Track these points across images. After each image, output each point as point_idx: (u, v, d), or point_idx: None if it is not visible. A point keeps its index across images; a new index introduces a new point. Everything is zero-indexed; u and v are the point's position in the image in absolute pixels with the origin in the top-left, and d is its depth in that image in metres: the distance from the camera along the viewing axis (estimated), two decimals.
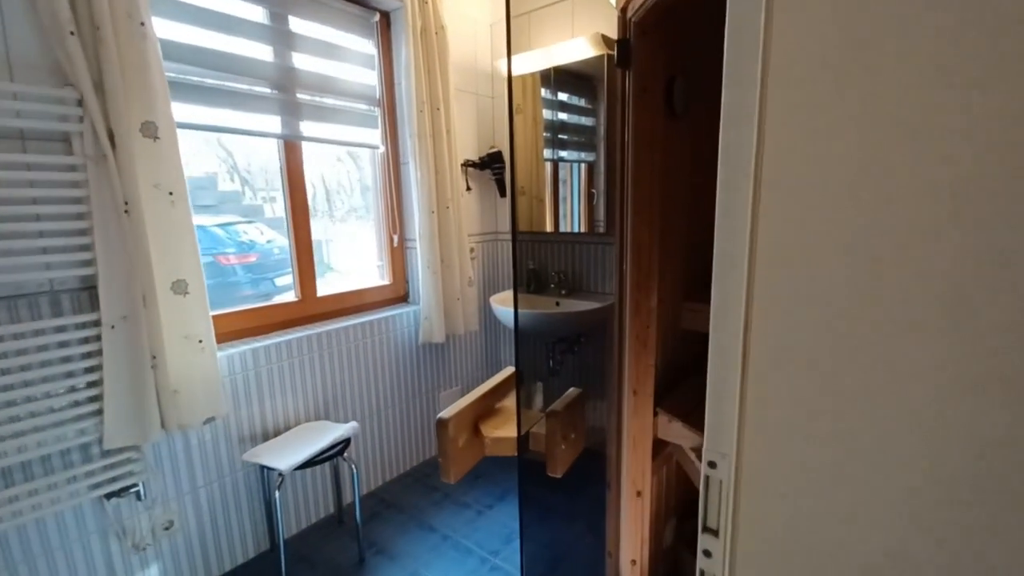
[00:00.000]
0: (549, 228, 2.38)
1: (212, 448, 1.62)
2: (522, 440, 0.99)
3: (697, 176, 1.44)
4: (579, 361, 2.38)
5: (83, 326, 1.29)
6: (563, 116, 2.31)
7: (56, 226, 1.23)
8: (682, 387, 1.48)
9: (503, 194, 2.43)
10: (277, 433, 1.78)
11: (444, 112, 2.07)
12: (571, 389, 0.85)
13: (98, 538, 1.41)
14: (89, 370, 1.31)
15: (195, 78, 1.54)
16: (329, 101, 1.90)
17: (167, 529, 1.54)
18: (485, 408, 0.90)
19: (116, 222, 1.26)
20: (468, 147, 2.37)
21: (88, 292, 1.32)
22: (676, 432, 1.31)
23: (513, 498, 2.05)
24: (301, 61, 1.80)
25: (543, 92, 2.31)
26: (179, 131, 1.37)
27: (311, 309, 1.97)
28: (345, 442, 1.70)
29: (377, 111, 2.08)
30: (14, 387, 1.21)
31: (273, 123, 1.74)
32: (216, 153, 1.91)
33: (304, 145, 1.87)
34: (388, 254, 2.25)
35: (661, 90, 1.18)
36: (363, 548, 1.78)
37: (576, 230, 2.30)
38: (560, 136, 2.32)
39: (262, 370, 1.72)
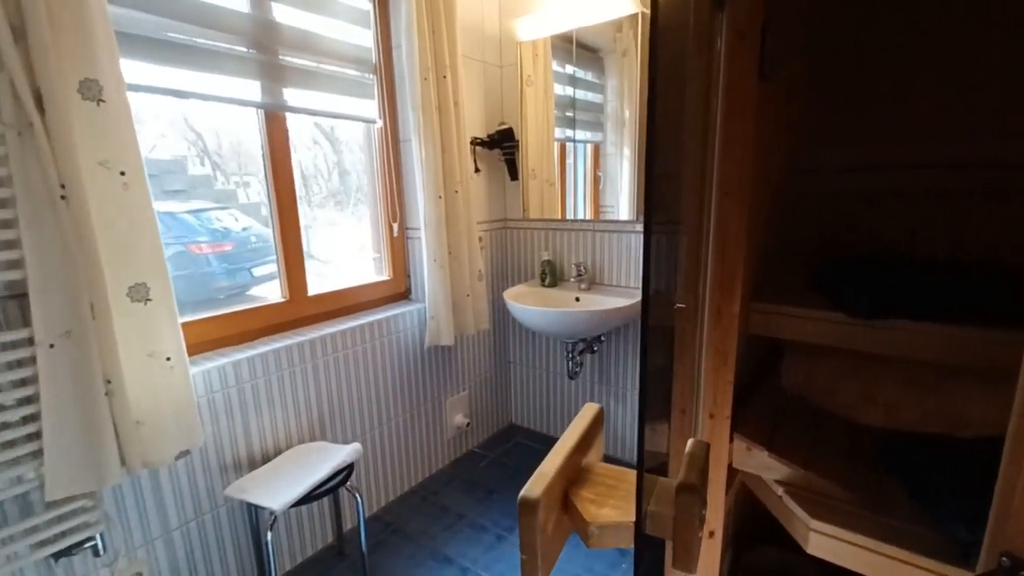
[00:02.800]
0: (571, 215, 2.14)
1: (187, 483, 1.35)
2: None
3: (783, 154, 1.21)
4: (600, 362, 2.16)
5: (12, 346, 1.00)
6: (584, 92, 2.06)
7: None
8: (751, 403, 1.26)
9: (514, 177, 2.17)
10: (266, 459, 1.51)
11: (451, 80, 1.79)
12: (692, 442, 0.61)
13: None
14: (23, 402, 1.02)
15: (150, 29, 1.23)
16: (316, 64, 1.60)
17: None
18: (572, 469, 0.68)
19: (51, 210, 0.96)
20: (476, 122, 2.09)
21: (17, 301, 1.03)
22: (758, 462, 1.09)
23: None
24: (282, 14, 1.49)
25: (554, 64, 2.05)
26: (133, 97, 1.07)
27: (301, 311, 1.69)
28: (348, 468, 1.45)
29: (373, 79, 1.79)
30: None
31: (251, 89, 1.44)
32: (185, 136, 1.61)
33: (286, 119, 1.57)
34: (387, 245, 1.97)
35: (758, 38, 0.94)
36: None
37: (587, 216, 2.07)
38: (574, 113, 2.06)
39: (245, 386, 1.45)
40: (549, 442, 2.31)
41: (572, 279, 2.08)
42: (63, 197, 0.96)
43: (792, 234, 1.46)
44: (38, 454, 1.03)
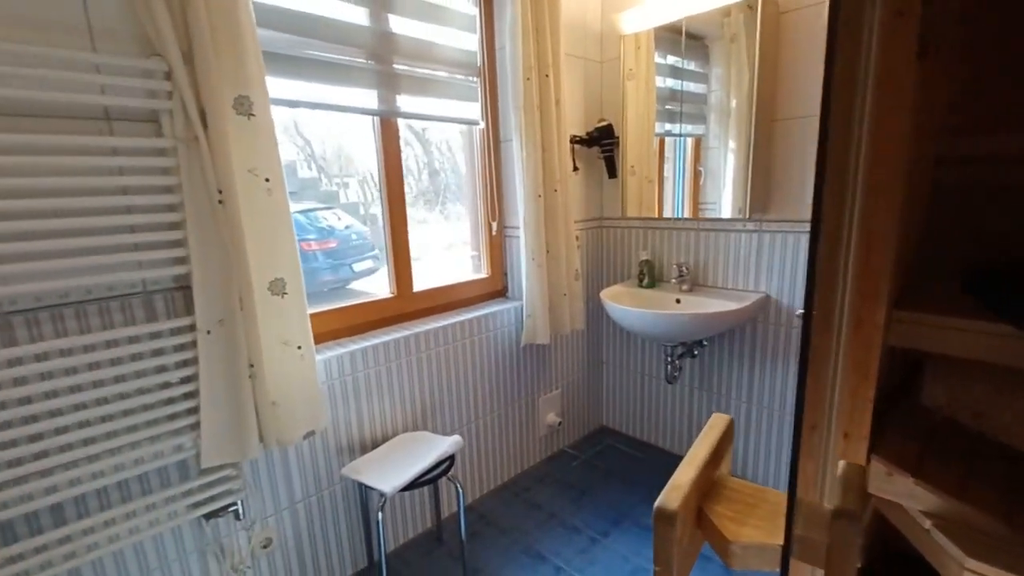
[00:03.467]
0: (669, 212, 2.05)
1: (310, 461, 1.48)
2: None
3: (935, 141, 1.08)
4: (701, 367, 2.06)
5: (178, 331, 1.15)
6: (686, 83, 1.96)
7: (148, 219, 1.08)
8: (889, 423, 1.13)
9: (612, 174, 2.12)
10: (375, 444, 1.62)
11: (553, 79, 1.79)
12: (846, 464, 0.56)
13: (197, 558, 1.30)
14: (185, 380, 1.17)
15: (286, 47, 1.35)
16: (427, 71, 1.67)
17: (265, 548, 1.41)
18: (705, 482, 0.66)
19: (210, 213, 1.09)
20: (575, 121, 2.07)
21: (182, 293, 1.18)
22: (901, 488, 0.98)
23: (631, 526, 1.79)
24: (398, 24, 1.57)
25: (656, 56, 1.98)
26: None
27: (407, 306, 1.78)
28: (450, 459, 1.51)
29: (477, 81, 1.83)
30: (109, 400, 1.08)
31: (369, 98, 1.54)
32: (295, 141, 1.77)
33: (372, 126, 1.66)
34: (486, 244, 2.02)
35: (918, 13, 0.84)
36: (467, 573, 1.60)
37: (686, 214, 1.97)
38: (676, 107, 1.97)
39: (359, 375, 1.55)
40: (643, 447, 2.27)
41: (673, 280, 1.99)
42: (220, 201, 1.09)
43: (940, 233, 1.30)
44: (195, 426, 1.18)
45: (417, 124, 1.96)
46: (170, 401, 1.16)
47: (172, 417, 1.16)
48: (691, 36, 1.90)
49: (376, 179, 1.69)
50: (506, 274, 2.08)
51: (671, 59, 1.97)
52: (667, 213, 2.08)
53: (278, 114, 1.50)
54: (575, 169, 2.02)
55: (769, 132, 1.73)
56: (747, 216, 1.76)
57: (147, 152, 1.06)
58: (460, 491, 1.52)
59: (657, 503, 0.56)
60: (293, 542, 1.48)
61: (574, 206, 2.04)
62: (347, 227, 2.32)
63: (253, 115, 1.11)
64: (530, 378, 2.11)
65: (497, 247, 2.04)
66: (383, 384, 1.62)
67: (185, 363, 1.16)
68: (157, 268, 1.11)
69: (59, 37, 0.98)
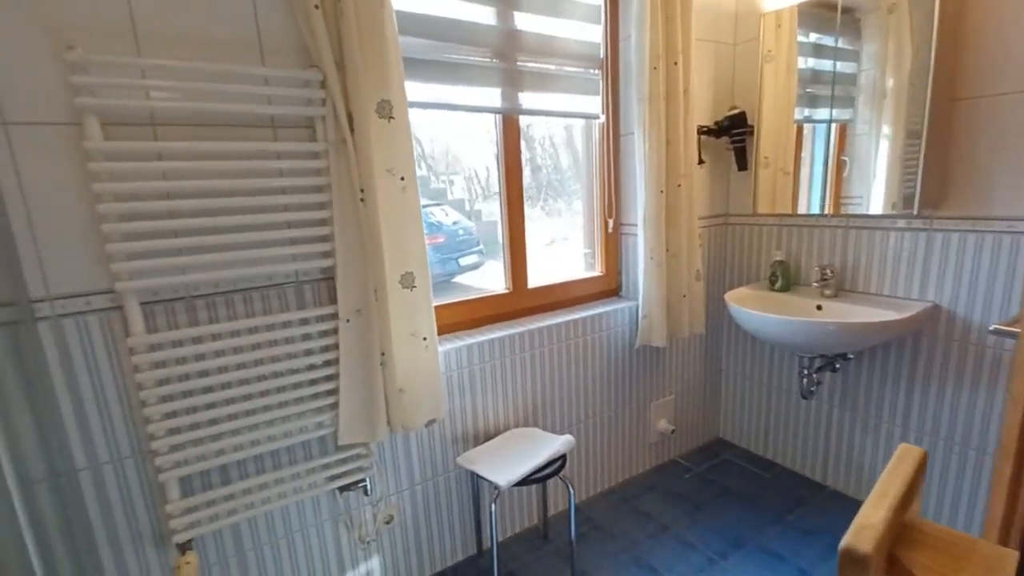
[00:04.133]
0: (806, 208, 1.84)
1: (428, 447, 1.55)
2: None
3: None
4: (843, 383, 1.83)
5: (322, 319, 1.26)
6: (832, 63, 1.74)
7: (301, 216, 1.18)
8: None
9: (743, 166, 1.95)
10: (487, 436, 1.65)
11: (683, 67, 1.68)
12: None
13: (330, 526, 1.42)
14: (327, 363, 1.27)
15: (420, 51, 1.41)
16: (550, 66, 1.66)
17: (387, 524, 1.51)
18: (897, 524, 0.57)
19: (353, 210, 1.17)
20: (703, 110, 1.94)
21: (327, 284, 1.29)
22: None
23: (755, 551, 1.65)
24: (523, 21, 1.57)
25: (798, 34, 1.77)
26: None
27: (521, 302, 1.79)
28: (562, 458, 1.49)
29: (598, 74, 1.78)
30: (266, 377, 1.21)
31: (493, 96, 1.56)
32: None
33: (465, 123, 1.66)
34: (601, 241, 1.96)
35: None
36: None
37: (827, 209, 1.74)
38: (816, 90, 1.75)
39: (475, 368, 1.59)
40: (766, 465, 2.08)
41: (814, 283, 1.79)
42: (362, 199, 1.17)
43: None
44: (334, 406, 1.28)
45: (521, 121, 1.96)
46: (314, 382, 1.27)
47: (315, 396, 1.27)
48: (841, 10, 1.67)
49: (480, 176, 1.72)
50: (621, 273, 2.01)
51: (814, 37, 1.76)
52: (804, 209, 1.86)
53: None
54: (701, 162, 1.89)
55: (948, 114, 1.47)
56: (915, 212, 1.51)
57: (303, 155, 1.17)
58: (572, 492, 1.50)
59: (845, 543, 0.48)
60: (411, 522, 1.56)
61: (698, 202, 1.91)
62: (454, 223, 2.40)
63: (393, 118, 1.18)
64: (642, 382, 2.02)
65: (613, 245, 1.98)
66: (497, 378, 1.64)
67: (327, 348, 1.27)
68: (307, 261, 1.22)
69: (237, 55, 1.11)
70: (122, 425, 1.11)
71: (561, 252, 2.07)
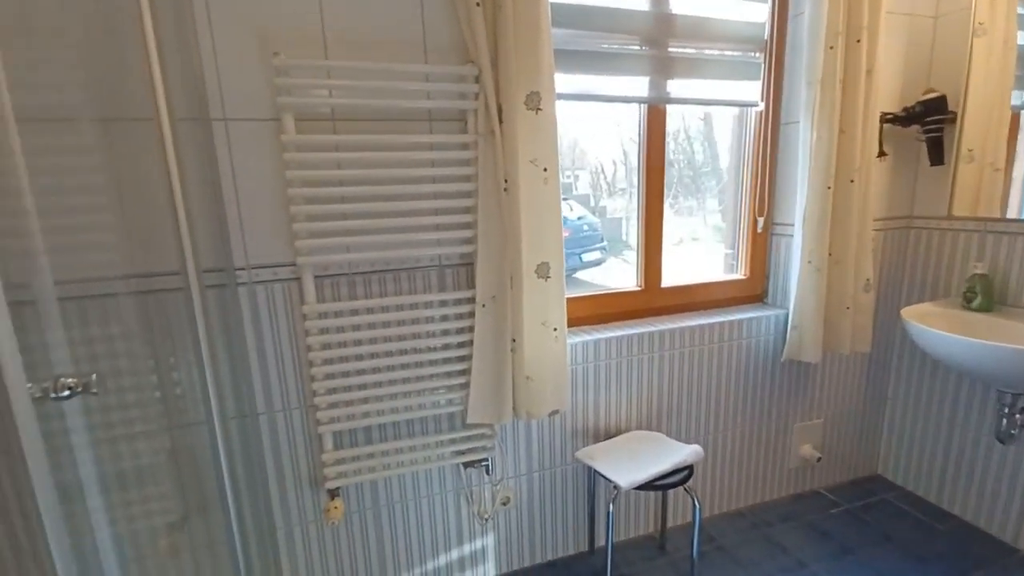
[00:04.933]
0: (1020, 212, 1.50)
1: (548, 437, 1.56)
2: None
3: None
4: None
5: (460, 302, 1.33)
6: None
7: (447, 204, 1.26)
8: None
9: (937, 160, 1.64)
10: (607, 435, 1.61)
11: (867, 44, 1.46)
12: None
13: (452, 497, 1.50)
14: (461, 345, 1.34)
15: (567, 42, 1.40)
16: (704, 51, 1.54)
17: (504, 504, 1.55)
18: None
19: (496, 200, 1.22)
20: (889, 94, 1.67)
21: (466, 269, 1.36)
22: None
23: None
24: (679, 4, 1.48)
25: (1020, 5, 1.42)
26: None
27: (653, 301, 1.71)
28: (688, 468, 1.40)
29: (760, 57, 1.62)
30: (407, 352, 1.32)
31: (639, 85, 1.50)
32: None
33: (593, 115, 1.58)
34: (747, 241, 1.80)
35: None
36: None
37: None
38: None
39: (601, 364, 1.56)
40: (940, 516, 1.75)
41: None
42: (505, 189, 1.20)
43: None
44: (465, 386, 1.35)
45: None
46: (448, 361, 1.35)
47: (449, 375, 1.35)
48: None
49: (606, 172, 1.66)
50: (768, 277, 1.82)
51: None
52: (1015, 212, 1.53)
53: None
54: (881, 155, 1.63)
55: None
56: None
57: (454, 147, 1.24)
58: (698, 506, 1.40)
59: None
60: (526, 507, 1.59)
61: (874, 201, 1.65)
62: (579, 218, 2.37)
63: (540, 109, 1.19)
64: (786, 400, 1.82)
65: (761, 246, 1.80)
66: (622, 377, 1.60)
67: (462, 331, 1.34)
68: (450, 246, 1.29)
69: (405, 54, 1.20)
70: (293, 379, 1.29)
71: (690, 253, 1.94)
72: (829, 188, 1.52)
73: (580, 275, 2.35)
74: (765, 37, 1.61)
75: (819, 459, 1.88)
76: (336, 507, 1.30)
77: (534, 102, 1.18)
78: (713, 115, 1.84)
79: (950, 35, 1.63)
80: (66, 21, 0.94)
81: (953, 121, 1.60)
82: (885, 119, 1.62)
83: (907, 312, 1.57)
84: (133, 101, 1.02)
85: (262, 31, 1.11)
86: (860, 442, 1.99)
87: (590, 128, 1.81)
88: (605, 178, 2.00)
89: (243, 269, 1.20)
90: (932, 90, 1.62)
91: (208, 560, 1.26)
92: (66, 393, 0.58)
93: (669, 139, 1.86)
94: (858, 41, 1.45)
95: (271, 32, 1.12)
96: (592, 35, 1.42)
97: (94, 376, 0.65)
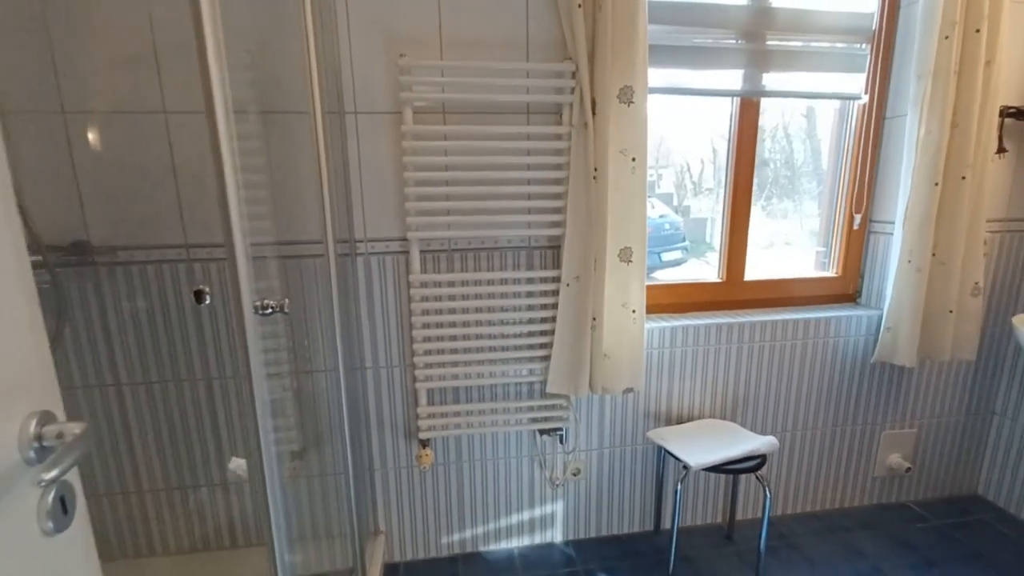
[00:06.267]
0: None
1: (621, 415, 1.64)
2: None
3: None
4: None
5: (546, 280, 1.44)
6: None
7: (540, 189, 1.37)
8: None
9: None
10: (680, 420, 1.66)
11: (987, 34, 1.38)
12: None
13: (527, 462, 1.63)
14: (544, 320, 1.46)
15: (662, 37, 1.46)
16: (804, 43, 1.53)
17: (575, 475, 1.66)
18: None
19: (585, 187, 1.31)
20: (1012, 86, 1.55)
21: (553, 251, 1.47)
22: None
23: None
24: None
25: None
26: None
27: (735, 293, 1.73)
28: (761, 458, 1.42)
29: (866, 48, 1.57)
30: (494, 323, 1.46)
31: (733, 78, 1.52)
32: None
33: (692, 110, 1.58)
34: (842, 238, 1.75)
35: None
36: None
37: None
38: None
39: (677, 350, 1.61)
40: None
41: None
42: (594, 177, 1.30)
43: None
44: (546, 359, 1.46)
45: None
46: (532, 334, 1.47)
47: (531, 347, 1.48)
48: None
49: (692, 171, 1.67)
50: (863, 276, 1.76)
51: None
52: None
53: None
54: (1000, 151, 1.52)
55: None
56: None
57: (548, 137, 1.35)
58: (768, 494, 1.42)
59: None
60: (595, 480, 1.68)
61: (989, 199, 1.55)
62: (661, 216, 2.36)
63: (632, 103, 1.27)
64: (874, 404, 1.76)
65: (856, 243, 1.74)
66: (698, 365, 1.63)
67: (546, 307, 1.45)
68: (540, 228, 1.41)
69: (509, 53, 1.33)
70: (396, 340, 1.47)
71: (781, 257, 1.90)
72: (936, 185, 1.45)
73: (659, 275, 2.36)
74: (873, 28, 1.55)
75: (908, 469, 1.79)
76: (427, 454, 1.48)
77: (627, 96, 1.26)
78: (817, 112, 1.80)
79: None
80: (248, 27, 1.17)
81: None
82: (1007, 113, 1.51)
83: (1020, 319, 1.46)
84: (291, 97, 1.24)
85: (389, 35, 1.29)
86: (959, 457, 1.86)
87: (679, 125, 1.83)
88: (691, 177, 2.00)
89: (361, 241, 1.40)
90: None
91: (319, 489, 1.49)
92: (269, 311, 0.78)
93: (766, 136, 1.85)
94: (977, 31, 1.37)
95: (397, 35, 1.29)
96: (687, 30, 1.47)
97: (286, 301, 0.85)
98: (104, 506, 1.46)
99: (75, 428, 0.45)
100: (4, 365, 0.42)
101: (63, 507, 0.46)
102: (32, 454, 0.44)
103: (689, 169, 1.99)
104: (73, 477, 0.48)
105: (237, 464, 1.47)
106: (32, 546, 0.44)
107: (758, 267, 1.72)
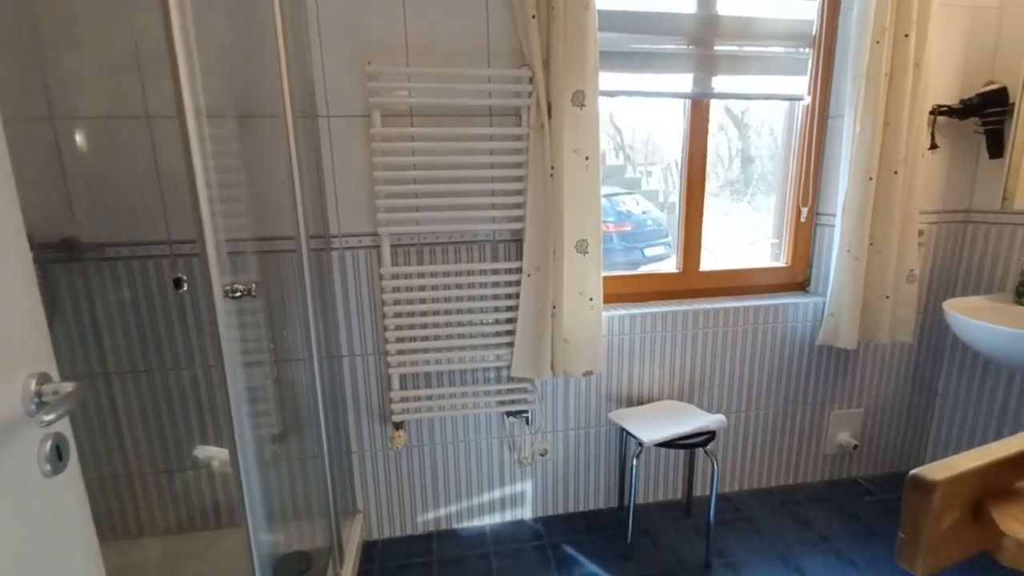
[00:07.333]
0: None
1: (584, 399, 1.74)
2: None
3: None
4: None
5: (509, 271, 1.54)
6: None
7: (502, 187, 1.47)
8: None
9: (996, 153, 1.63)
10: (640, 402, 1.77)
11: (915, 38, 1.49)
12: None
13: (496, 443, 1.73)
14: (508, 308, 1.56)
15: (615, 44, 1.56)
16: (750, 48, 1.64)
17: (542, 455, 1.76)
18: (998, 483, 0.55)
19: (543, 184, 1.41)
20: (944, 86, 1.67)
21: (515, 244, 1.57)
22: None
23: None
24: (725, 5, 1.59)
25: None
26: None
27: (691, 283, 1.84)
28: (710, 434, 1.54)
29: (807, 52, 1.68)
30: (462, 312, 1.56)
31: (683, 82, 1.63)
32: (606, 131, 1.95)
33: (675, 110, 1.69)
34: (791, 231, 1.86)
35: None
36: (711, 553, 1.61)
37: None
38: None
39: (636, 337, 1.72)
40: None
41: None
42: (551, 175, 1.40)
43: None
44: (510, 345, 1.56)
45: (737, 107, 1.93)
46: (497, 322, 1.57)
47: (497, 334, 1.58)
48: None
49: (677, 168, 1.78)
50: (811, 265, 1.88)
51: None
52: None
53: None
54: (932, 147, 1.64)
55: None
56: None
57: (509, 138, 1.45)
58: (716, 467, 1.53)
59: (915, 470, 0.50)
60: (562, 460, 1.79)
61: (923, 193, 1.67)
62: (644, 212, 2.45)
63: (584, 106, 1.37)
64: (823, 385, 1.88)
65: (804, 235, 1.86)
66: (656, 350, 1.74)
67: (509, 296, 1.56)
68: (503, 223, 1.51)
69: (472, 59, 1.43)
70: (370, 330, 1.57)
71: (763, 250, 1.99)
72: (871, 179, 1.57)
73: (644, 270, 2.43)
74: (813, 33, 1.67)
75: (856, 447, 1.91)
76: (400, 436, 1.58)
77: (579, 99, 1.36)
78: (780, 112, 1.89)
79: (1017, 26, 1.60)
80: (223, 38, 1.26)
81: (1011, 113, 1.58)
82: (938, 111, 1.62)
83: (950, 304, 1.58)
84: (264, 102, 1.33)
85: (358, 43, 1.38)
86: (905, 435, 1.99)
87: (664, 125, 1.91)
88: (676, 174, 2.09)
89: (336, 236, 1.49)
90: (992, 82, 1.60)
91: (300, 470, 1.59)
92: (239, 294, 0.88)
93: (751, 133, 1.93)
94: (906, 35, 1.48)
95: (365, 44, 1.38)
96: (639, 37, 1.57)
97: (254, 285, 0.94)
98: (94, 489, 1.55)
99: (68, 386, 0.54)
100: (7, 335, 0.52)
101: (59, 454, 0.56)
102: (33, 407, 0.53)
103: (677, 164, 2.08)
104: (66, 429, 0.58)
105: (202, 450, 1.57)
106: (34, 485, 0.54)
107: (741, 261, 1.79)
